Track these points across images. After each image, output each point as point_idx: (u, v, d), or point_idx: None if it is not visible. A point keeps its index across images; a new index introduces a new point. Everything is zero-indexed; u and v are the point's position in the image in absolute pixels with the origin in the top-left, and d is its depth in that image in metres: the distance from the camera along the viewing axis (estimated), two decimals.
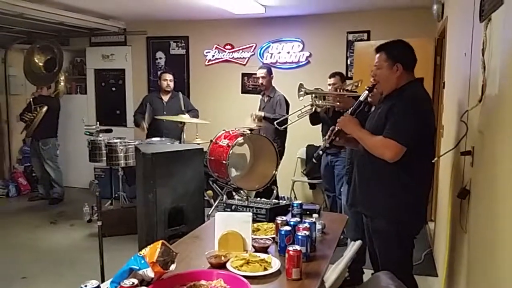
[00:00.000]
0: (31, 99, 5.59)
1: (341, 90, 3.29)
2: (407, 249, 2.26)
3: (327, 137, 2.41)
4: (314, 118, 3.92)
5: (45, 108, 5.54)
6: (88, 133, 5.01)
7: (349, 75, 5.11)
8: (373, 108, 3.06)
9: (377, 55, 2.24)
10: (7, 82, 6.66)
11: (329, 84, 3.86)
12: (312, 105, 3.18)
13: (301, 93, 2.92)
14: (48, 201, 5.81)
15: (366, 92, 2.28)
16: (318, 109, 3.55)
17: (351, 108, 2.34)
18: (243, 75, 5.84)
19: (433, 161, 2.19)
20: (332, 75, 3.94)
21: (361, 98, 2.30)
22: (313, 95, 3.14)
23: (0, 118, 6.77)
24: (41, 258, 3.95)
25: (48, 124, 5.62)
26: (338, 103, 2.97)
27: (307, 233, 1.86)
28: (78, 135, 5.96)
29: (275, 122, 4.14)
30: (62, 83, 6.30)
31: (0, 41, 6.33)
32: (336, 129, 2.33)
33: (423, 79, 2.29)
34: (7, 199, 6.09)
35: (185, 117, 4.74)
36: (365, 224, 2.40)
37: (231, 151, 4.05)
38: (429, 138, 2.19)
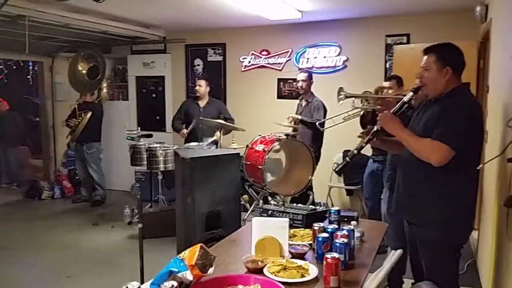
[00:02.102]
0: (76, 106, 5.83)
1: (382, 93, 3.21)
2: (455, 259, 2.18)
3: (361, 137, 2.35)
4: (366, 122, 3.80)
5: (89, 114, 5.76)
6: (129, 138, 5.18)
7: None
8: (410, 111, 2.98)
9: (425, 57, 2.17)
10: (53, 88, 6.99)
11: (385, 88, 3.71)
12: (361, 109, 3.08)
13: (341, 96, 2.86)
14: (91, 203, 6.02)
15: (411, 93, 2.22)
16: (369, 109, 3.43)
17: (393, 108, 2.27)
18: (279, 80, 5.86)
19: (478, 167, 2.11)
20: (388, 79, 3.81)
21: (405, 99, 2.24)
22: (354, 98, 3.06)
23: (46, 123, 7.11)
24: (84, 259, 4.10)
25: (92, 129, 5.83)
26: (379, 106, 2.90)
27: (346, 240, 1.83)
28: (120, 140, 6.17)
29: (317, 123, 4.07)
30: (104, 90, 6.54)
31: (48, 50, 6.66)
32: (375, 128, 2.27)
33: (469, 84, 2.21)
34: (52, 201, 6.37)
35: (221, 121, 4.80)
36: (409, 232, 2.32)
37: (267, 156, 4.06)
38: (479, 143, 2.12)
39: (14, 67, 9.43)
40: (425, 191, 2.13)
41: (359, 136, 2.46)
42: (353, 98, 3.01)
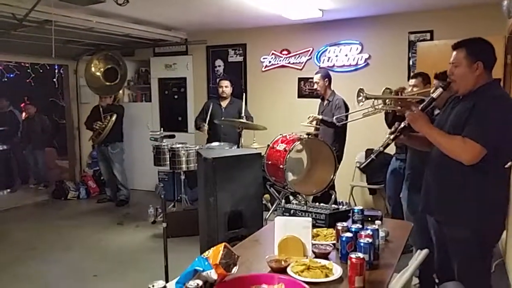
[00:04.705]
0: (101, 109, 5.92)
1: (402, 94, 3.14)
2: (487, 259, 2.13)
3: (389, 133, 2.31)
4: (392, 122, 3.72)
5: (114, 116, 5.87)
6: (153, 139, 5.25)
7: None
8: (436, 111, 2.92)
9: (455, 52, 2.12)
10: (78, 91, 7.15)
11: (410, 86, 3.61)
12: (381, 110, 3.03)
13: (360, 98, 2.82)
14: (115, 203, 6.14)
15: (440, 89, 2.17)
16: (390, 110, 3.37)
17: (422, 104, 2.23)
18: (300, 79, 5.84)
19: (506, 166, 2.06)
20: (414, 76, 3.68)
21: (434, 95, 2.19)
22: (374, 100, 3.01)
23: (72, 125, 7.29)
24: (110, 258, 4.19)
25: (116, 130, 5.95)
26: (400, 108, 2.86)
27: (370, 240, 1.81)
28: (143, 141, 6.25)
29: (334, 118, 4.03)
30: (120, 91, 6.60)
31: (73, 53, 6.83)
32: (403, 125, 2.23)
33: (500, 79, 2.16)
34: (78, 201, 6.52)
35: (243, 120, 4.82)
36: (437, 232, 2.27)
37: (288, 155, 4.05)
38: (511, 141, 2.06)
39: (41, 71, 9.72)
40: (456, 189, 2.08)
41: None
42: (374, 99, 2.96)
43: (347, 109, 4.49)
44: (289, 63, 5.88)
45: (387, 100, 2.88)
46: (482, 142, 1.92)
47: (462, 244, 2.08)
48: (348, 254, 1.70)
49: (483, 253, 2.10)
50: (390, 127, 3.51)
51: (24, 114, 7.89)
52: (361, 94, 2.79)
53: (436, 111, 2.93)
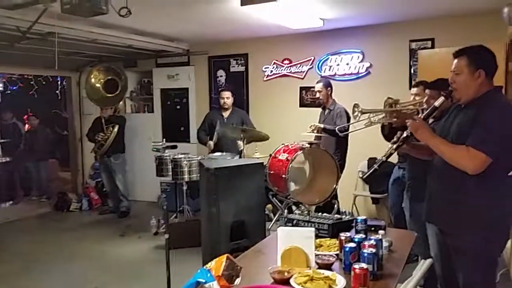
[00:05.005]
0: (103, 120, 5.91)
1: (395, 106, 3.13)
2: (493, 269, 2.10)
3: (391, 143, 2.29)
4: (389, 134, 3.69)
5: (117, 128, 5.87)
6: (155, 149, 5.25)
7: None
8: (430, 120, 2.91)
9: (456, 60, 2.11)
10: (81, 103, 7.18)
11: (412, 94, 3.58)
12: (378, 123, 3.03)
13: (356, 114, 2.82)
14: (117, 214, 6.11)
15: (442, 98, 2.16)
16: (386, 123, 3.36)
17: (424, 113, 2.23)
18: (301, 88, 5.84)
19: (510, 174, 2.04)
20: (415, 85, 3.63)
21: (436, 104, 2.18)
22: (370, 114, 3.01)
23: (74, 137, 7.30)
24: (112, 269, 4.16)
25: (118, 141, 5.94)
26: (395, 119, 2.85)
27: (374, 250, 1.80)
28: (145, 152, 6.25)
29: (336, 128, 4.03)
30: (121, 102, 6.59)
31: (75, 65, 6.88)
32: (405, 134, 2.22)
33: (502, 87, 2.15)
34: (80, 213, 6.50)
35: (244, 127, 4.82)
36: (441, 242, 2.24)
37: (290, 165, 4.04)
38: None
39: (44, 83, 9.79)
40: (461, 198, 2.06)
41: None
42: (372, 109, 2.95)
43: (348, 118, 4.48)
44: (290, 72, 5.89)
45: (374, 117, 2.86)
46: (486, 151, 1.91)
47: (467, 254, 2.06)
48: (352, 264, 1.68)
49: (488, 263, 2.07)
50: (387, 140, 3.50)
51: (27, 126, 7.93)
52: (356, 109, 2.78)
53: (430, 120, 2.92)
